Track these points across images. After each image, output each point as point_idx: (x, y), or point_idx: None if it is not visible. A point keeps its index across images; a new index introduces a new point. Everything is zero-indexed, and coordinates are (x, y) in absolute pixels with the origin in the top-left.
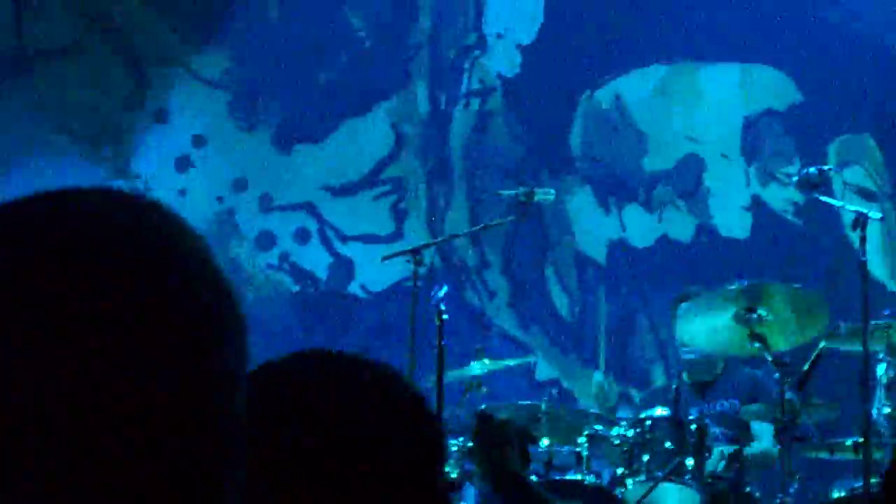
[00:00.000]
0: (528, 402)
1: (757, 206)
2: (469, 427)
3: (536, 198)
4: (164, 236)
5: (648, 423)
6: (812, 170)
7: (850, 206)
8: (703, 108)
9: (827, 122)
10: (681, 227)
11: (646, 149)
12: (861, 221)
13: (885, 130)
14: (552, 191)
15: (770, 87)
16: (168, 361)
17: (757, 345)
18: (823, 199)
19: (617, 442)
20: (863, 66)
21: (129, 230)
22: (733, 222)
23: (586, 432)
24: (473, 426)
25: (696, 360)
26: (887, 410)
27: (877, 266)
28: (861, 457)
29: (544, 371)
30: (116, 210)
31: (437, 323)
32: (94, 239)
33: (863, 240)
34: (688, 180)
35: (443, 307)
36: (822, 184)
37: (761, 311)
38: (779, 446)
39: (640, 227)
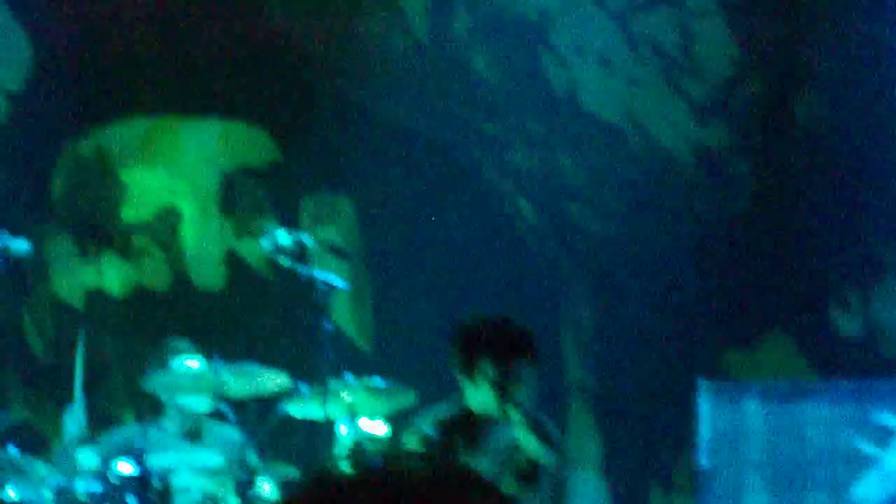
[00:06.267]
0: None
1: (232, 259)
2: None
3: (12, 250)
4: None
5: (116, 481)
6: (284, 233)
7: (317, 274)
8: (183, 162)
9: (303, 180)
10: (158, 276)
11: (126, 198)
12: (328, 289)
13: (359, 190)
14: (24, 241)
15: (249, 144)
16: None
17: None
18: (296, 266)
19: (85, 499)
20: (332, 124)
21: None
22: (209, 274)
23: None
24: None
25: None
26: None
27: (347, 326)
28: None
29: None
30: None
31: None
32: None
33: (326, 306)
34: (165, 231)
35: None
36: (294, 247)
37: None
38: None
39: (117, 276)
